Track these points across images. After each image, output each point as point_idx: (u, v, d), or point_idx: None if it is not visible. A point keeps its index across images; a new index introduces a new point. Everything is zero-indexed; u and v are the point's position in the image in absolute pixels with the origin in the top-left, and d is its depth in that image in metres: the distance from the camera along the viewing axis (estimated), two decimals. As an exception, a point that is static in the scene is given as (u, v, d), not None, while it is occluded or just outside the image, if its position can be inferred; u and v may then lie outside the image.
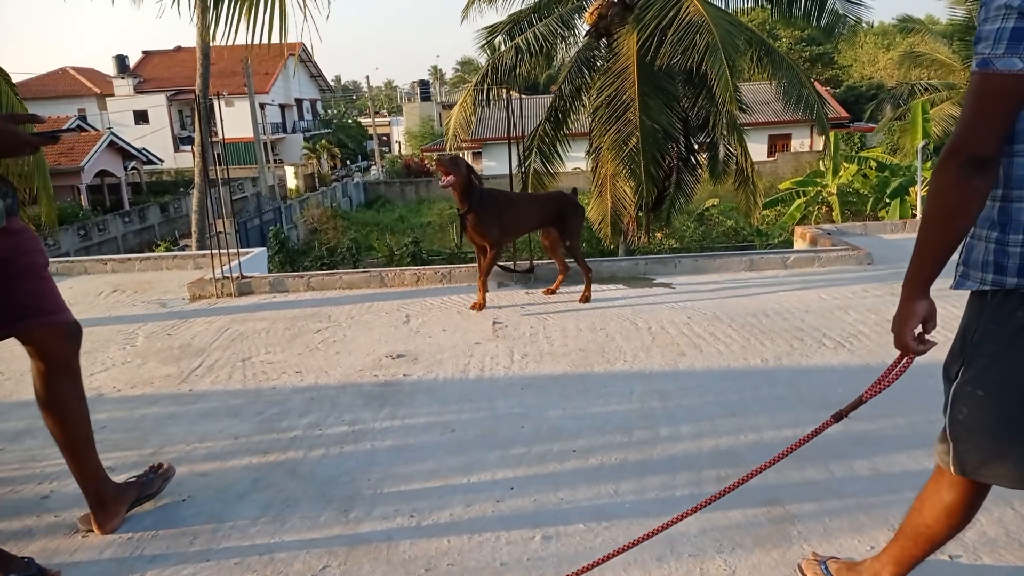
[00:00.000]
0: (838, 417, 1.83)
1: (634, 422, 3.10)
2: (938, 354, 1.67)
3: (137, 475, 2.61)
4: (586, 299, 5.02)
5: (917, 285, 1.56)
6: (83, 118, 32.61)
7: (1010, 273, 1.45)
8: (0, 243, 2.18)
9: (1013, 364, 1.49)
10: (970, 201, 1.44)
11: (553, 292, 5.28)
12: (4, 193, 2.17)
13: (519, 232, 5.19)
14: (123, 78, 41.05)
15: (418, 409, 3.35)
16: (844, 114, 32.33)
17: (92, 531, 2.42)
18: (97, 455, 2.44)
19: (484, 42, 12.31)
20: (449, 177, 4.54)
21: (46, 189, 7.96)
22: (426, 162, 38.79)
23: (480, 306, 4.84)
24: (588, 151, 11.58)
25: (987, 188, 1.44)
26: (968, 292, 1.58)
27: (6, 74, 7.23)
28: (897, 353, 1.69)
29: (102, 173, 28.55)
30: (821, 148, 25.23)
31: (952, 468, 1.62)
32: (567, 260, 5.31)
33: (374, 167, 43.83)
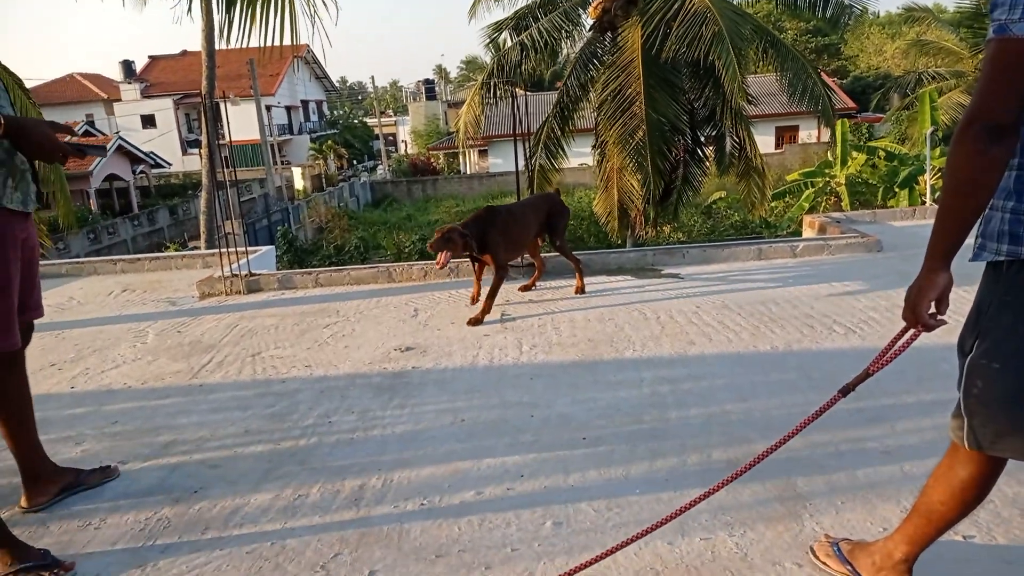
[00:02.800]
0: (845, 391, 1.82)
1: (644, 409, 3.09)
2: (950, 336, 1.65)
3: (83, 469, 2.70)
4: (580, 290, 5.02)
5: (938, 256, 1.54)
6: (91, 123, 32.86)
7: None
8: (30, 228, 2.30)
9: None
10: (989, 170, 1.42)
11: (528, 288, 5.22)
12: (38, 180, 2.27)
13: (526, 243, 5.06)
14: (130, 83, 41.29)
15: (427, 400, 3.35)
16: (851, 104, 32.13)
17: (21, 505, 2.50)
18: (35, 435, 2.52)
19: (489, 40, 12.28)
20: (445, 255, 4.36)
21: (63, 191, 8.02)
22: (432, 161, 38.83)
23: (478, 320, 4.49)
24: (594, 145, 11.54)
25: (1006, 157, 1.42)
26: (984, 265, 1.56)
27: (19, 80, 7.30)
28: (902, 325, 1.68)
29: (111, 177, 28.73)
30: (828, 139, 25.11)
31: (966, 443, 1.60)
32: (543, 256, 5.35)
33: (381, 167, 43.89)
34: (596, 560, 1.94)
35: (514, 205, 5.27)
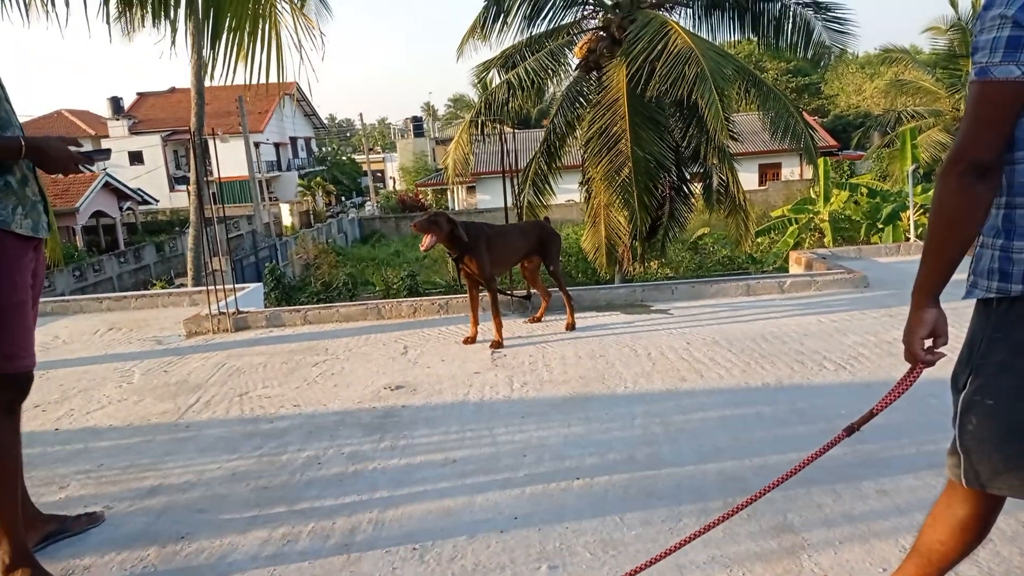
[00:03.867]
0: (850, 431, 1.81)
1: (637, 448, 3.07)
2: (941, 372, 1.66)
3: (68, 515, 2.63)
4: (570, 326, 5.03)
5: (925, 293, 1.56)
6: (78, 160, 32.71)
7: (1015, 280, 1.45)
8: (39, 259, 2.38)
9: (1022, 372, 1.48)
10: (973, 208, 1.45)
11: (538, 320, 5.27)
12: (48, 211, 2.36)
13: (511, 263, 5.18)
14: (118, 119, 41.40)
15: (418, 439, 3.31)
16: (833, 143, 32.72)
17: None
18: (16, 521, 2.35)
19: (478, 80, 12.46)
20: (429, 238, 4.48)
21: (51, 227, 7.95)
22: (420, 197, 39.03)
23: (498, 343, 4.68)
24: (581, 182, 11.66)
25: (990, 195, 1.45)
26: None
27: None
28: (907, 367, 1.68)
29: (97, 214, 28.60)
30: (811, 176, 25.46)
31: (964, 481, 1.59)
32: (550, 289, 5.38)
33: (369, 203, 44.04)
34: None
35: (504, 226, 5.34)
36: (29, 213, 2.25)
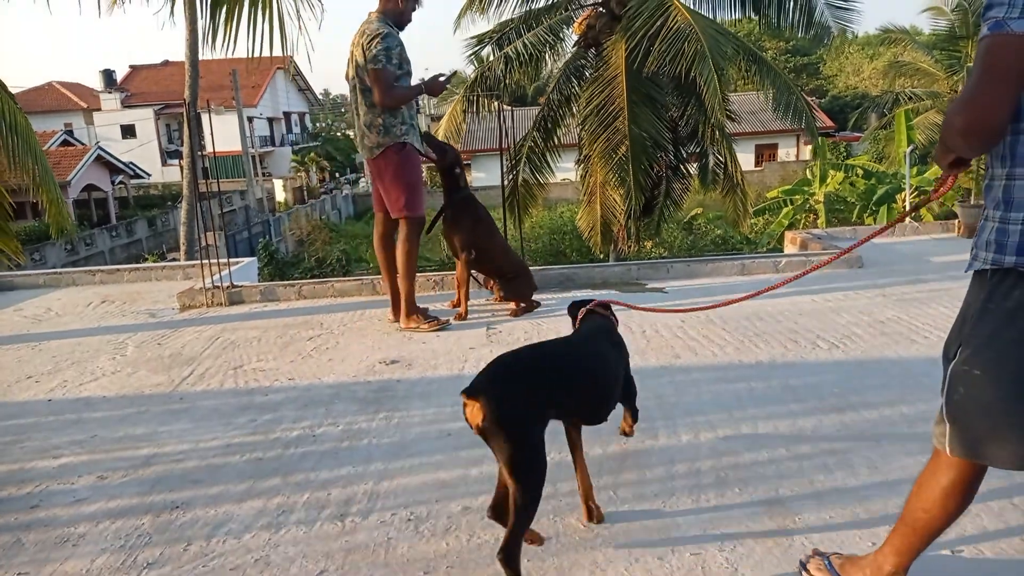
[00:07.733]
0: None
1: (631, 423, 3.08)
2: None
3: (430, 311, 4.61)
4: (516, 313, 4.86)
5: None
6: (70, 133, 32.49)
7: (1009, 251, 1.46)
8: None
9: (1010, 343, 1.49)
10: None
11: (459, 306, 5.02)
12: (419, 133, 4.52)
13: (485, 252, 4.80)
14: (110, 92, 40.96)
15: (413, 413, 3.32)
16: (830, 123, 32.64)
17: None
18: (411, 288, 4.54)
19: (471, 52, 12.28)
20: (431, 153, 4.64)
21: (55, 199, 7.86)
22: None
23: (463, 316, 4.71)
24: (578, 160, 11.60)
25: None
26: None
27: (4, 85, 7.20)
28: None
29: (89, 187, 28.41)
30: (808, 157, 25.45)
31: (948, 449, 1.61)
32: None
33: (363, 179, 43.76)
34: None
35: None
36: (416, 135, 4.34)
